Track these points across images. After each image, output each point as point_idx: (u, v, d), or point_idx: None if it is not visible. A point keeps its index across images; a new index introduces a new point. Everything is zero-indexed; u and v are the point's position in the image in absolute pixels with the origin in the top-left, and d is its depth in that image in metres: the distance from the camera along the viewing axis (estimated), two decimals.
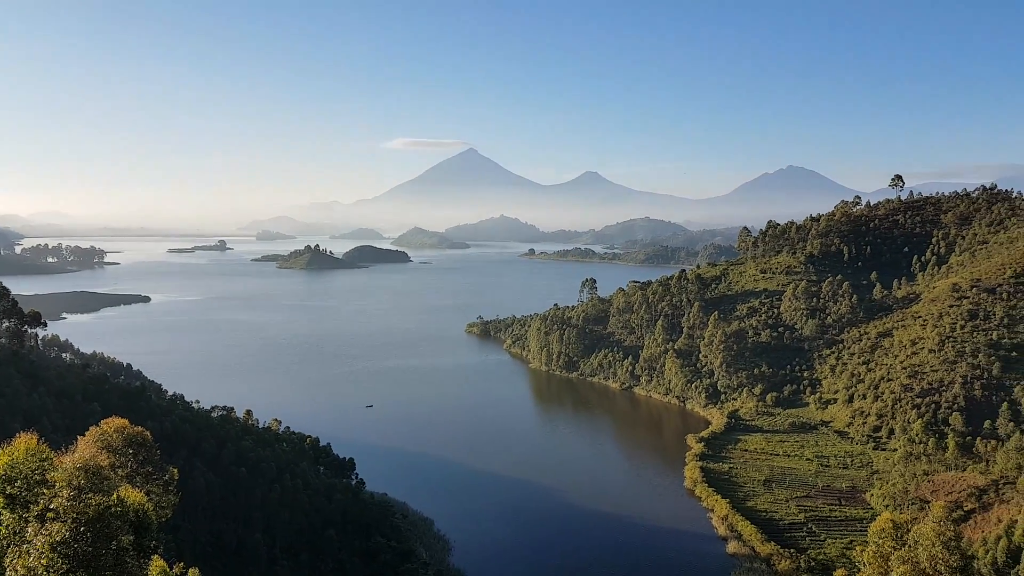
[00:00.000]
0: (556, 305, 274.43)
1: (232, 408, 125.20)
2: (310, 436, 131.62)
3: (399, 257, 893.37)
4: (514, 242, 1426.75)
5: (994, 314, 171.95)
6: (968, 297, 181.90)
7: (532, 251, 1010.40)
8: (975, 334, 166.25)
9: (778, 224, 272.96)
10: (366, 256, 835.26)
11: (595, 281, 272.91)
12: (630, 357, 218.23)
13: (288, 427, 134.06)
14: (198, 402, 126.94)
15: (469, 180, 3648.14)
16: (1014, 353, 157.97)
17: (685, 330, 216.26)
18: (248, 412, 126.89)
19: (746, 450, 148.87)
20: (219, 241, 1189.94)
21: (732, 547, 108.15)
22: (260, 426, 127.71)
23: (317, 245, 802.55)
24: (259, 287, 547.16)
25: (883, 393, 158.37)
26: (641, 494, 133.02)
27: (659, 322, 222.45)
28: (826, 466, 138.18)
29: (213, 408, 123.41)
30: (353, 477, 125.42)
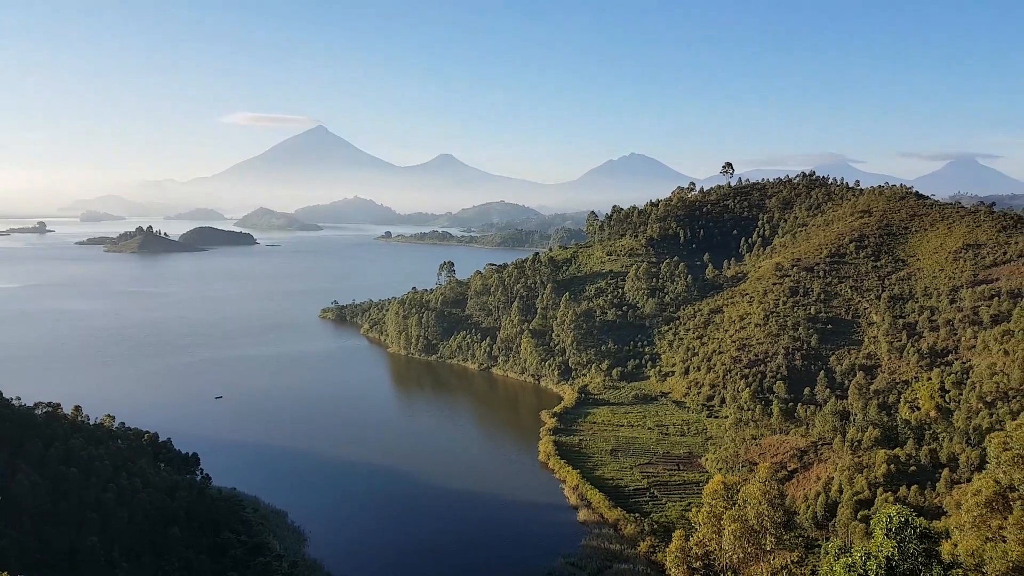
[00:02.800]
0: (414, 288, 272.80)
1: (58, 404, 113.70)
2: (148, 432, 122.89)
3: (244, 239, 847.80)
4: (369, 224, 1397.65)
5: (812, 290, 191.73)
6: (789, 275, 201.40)
7: (389, 234, 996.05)
8: (796, 309, 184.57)
9: (622, 209, 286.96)
10: (206, 238, 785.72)
11: (453, 264, 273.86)
12: (488, 338, 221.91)
13: (123, 423, 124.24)
14: (18, 399, 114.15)
15: (319, 159, 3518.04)
16: (829, 326, 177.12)
17: (539, 311, 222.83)
18: (77, 408, 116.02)
19: (595, 422, 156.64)
20: (38, 223, 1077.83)
21: (583, 515, 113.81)
22: (91, 423, 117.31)
23: (150, 227, 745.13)
24: (86, 272, 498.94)
25: (715, 365, 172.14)
26: (499, 470, 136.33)
27: (515, 304, 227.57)
28: (666, 434, 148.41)
29: (36, 405, 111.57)
30: (198, 472, 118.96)
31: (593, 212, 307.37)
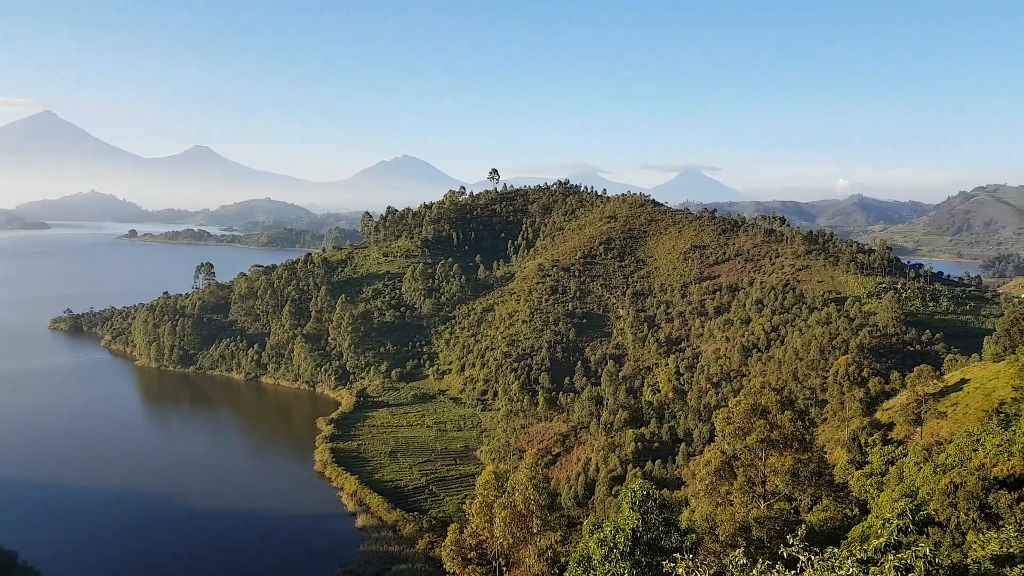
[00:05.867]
0: (166, 293, 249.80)
1: None
2: None
3: None
4: (110, 222, 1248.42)
5: (570, 288, 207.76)
6: (550, 275, 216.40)
7: (134, 232, 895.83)
8: (556, 306, 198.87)
9: (396, 210, 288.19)
10: None
11: (212, 265, 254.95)
12: (256, 345, 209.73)
13: None
14: None
15: (47, 148, 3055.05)
16: (584, 320, 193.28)
17: (313, 314, 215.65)
18: None
19: (373, 425, 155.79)
20: None
21: (361, 520, 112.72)
22: None
23: None
24: None
25: (488, 361, 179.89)
26: (272, 485, 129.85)
27: (286, 307, 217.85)
28: (444, 431, 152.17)
29: None
30: None
31: (368, 213, 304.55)
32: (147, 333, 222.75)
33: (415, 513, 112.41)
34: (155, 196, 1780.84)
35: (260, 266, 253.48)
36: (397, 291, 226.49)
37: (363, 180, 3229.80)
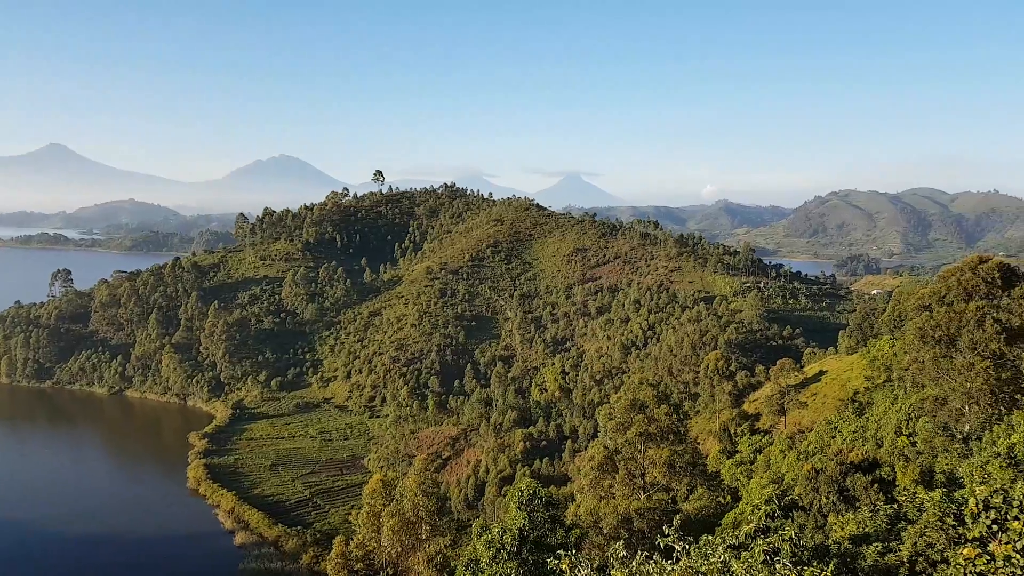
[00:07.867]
0: (18, 303, 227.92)
1: None
2: None
3: None
4: None
5: (458, 291, 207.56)
6: (439, 278, 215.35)
7: None
8: (445, 309, 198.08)
9: (274, 211, 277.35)
10: None
11: (70, 272, 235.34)
12: (120, 357, 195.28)
13: None
14: None
15: None
16: (474, 323, 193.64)
17: (183, 322, 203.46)
18: None
19: (252, 438, 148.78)
20: None
21: (240, 538, 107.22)
22: None
23: None
24: None
25: (376, 366, 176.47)
26: (141, 505, 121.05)
27: (152, 315, 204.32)
28: (329, 440, 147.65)
29: None
30: None
31: (242, 214, 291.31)
32: None
33: (298, 528, 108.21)
34: (5, 197, 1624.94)
35: (123, 272, 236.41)
36: (276, 296, 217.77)
37: (237, 180, 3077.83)
